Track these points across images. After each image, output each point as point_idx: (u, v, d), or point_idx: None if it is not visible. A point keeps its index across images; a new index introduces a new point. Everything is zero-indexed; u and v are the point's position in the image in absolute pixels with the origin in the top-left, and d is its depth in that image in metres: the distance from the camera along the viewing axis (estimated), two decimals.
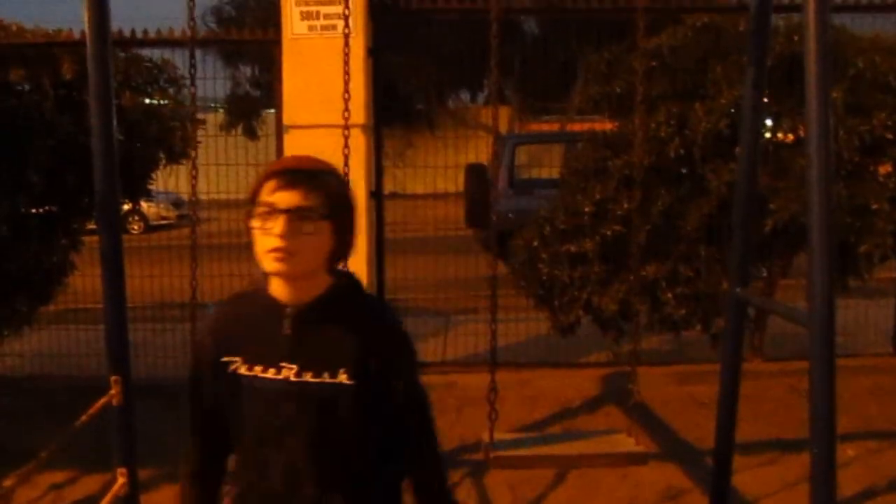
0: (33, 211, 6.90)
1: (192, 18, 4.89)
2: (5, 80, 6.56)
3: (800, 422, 3.94)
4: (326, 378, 2.18)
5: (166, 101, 7.35)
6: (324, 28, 6.70)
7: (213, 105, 11.19)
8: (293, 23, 6.75)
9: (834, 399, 3.16)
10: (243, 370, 2.24)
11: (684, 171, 6.90)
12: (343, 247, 2.25)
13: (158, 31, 7.21)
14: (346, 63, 5.01)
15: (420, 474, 2.41)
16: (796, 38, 6.54)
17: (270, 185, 2.15)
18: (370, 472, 2.29)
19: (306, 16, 6.72)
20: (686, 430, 6.22)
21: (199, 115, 6.84)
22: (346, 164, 5.12)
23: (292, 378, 2.19)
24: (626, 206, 6.66)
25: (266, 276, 2.25)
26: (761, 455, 5.67)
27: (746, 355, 7.27)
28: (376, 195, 7.34)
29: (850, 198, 6.53)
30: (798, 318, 3.51)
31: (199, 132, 6.59)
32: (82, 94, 6.49)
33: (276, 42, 6.93)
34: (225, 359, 2.26)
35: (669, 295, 6.79)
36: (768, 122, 6.76)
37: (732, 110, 6.51)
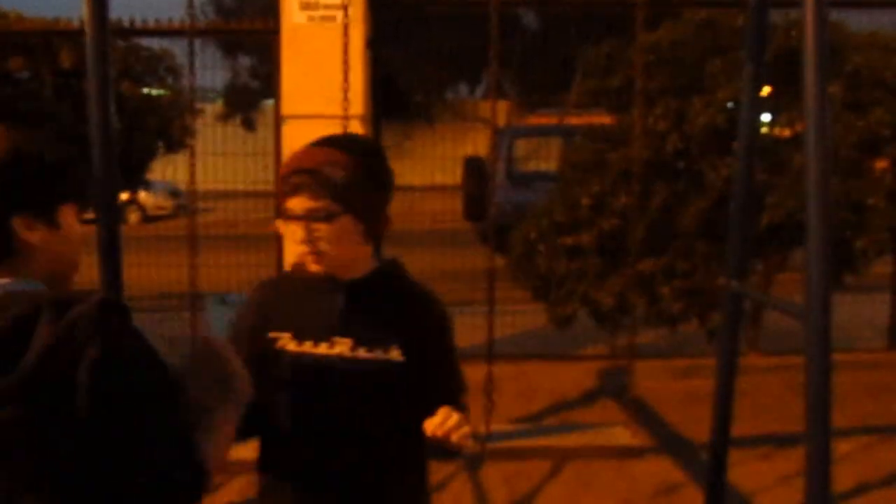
0: None
1: (191, 7, 4.89)
2: (4, 68, 6.56)
3: (795, 416, 3.95)
4: (379, 354, 2.20)
5: (165, 91, 7.35)
6: (323, 18, 6.70)
7: (211, 95, 11.19)
8: (292, 13, 6.75)
9: (829, 394, 3.16)
10: (292, 346, 2.24)
11: (682, 165, 6.91)
12: (373, 227, 2.23)
13: (157, 21, 7.19)
14: (346, 53, 5.02)
15: None
16: (794, 33, 6.54)
17: (283, 188, 2.16)
18: (406, 449, 2.28)
19: (305, 6, 6.71)
20: (682, 424, 6.24)
21: (198, 106, 6.85)
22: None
23: (346, 353, 2.20)
24: (623, 199, 6.67)
25: None
26: (757, 449, 5.68)
27: (743, 350, 7.30)
28: None
29: (847, 193, 6.54)
30: (794, 312, 3.51)
31: (198, 122, 6.60)
32: (81, 82, 6.49)
33: (275, 32, 6.93)
34: (271, 335, 2.25)
35: (666, 289, 6.81)
36: (766, 118, 6.77)
37: (730, 105, 6.52)
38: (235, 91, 20.81)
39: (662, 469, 5.61)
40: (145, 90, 7.18)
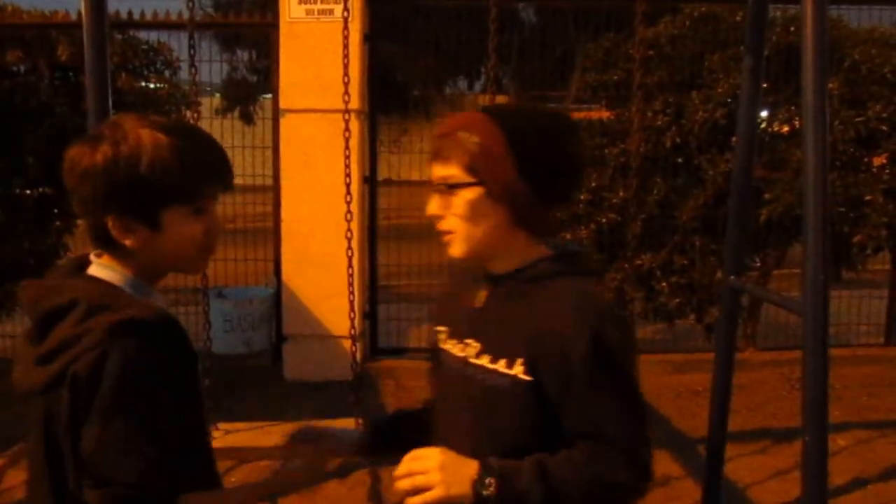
0: (28, 193, 6.90)
1: (190, 0, 4.88)
2: (1, 61, 6.55)
3: (792, 411, 3.96)
4: (502, 366, 1.84)
5: (163, 85, 7.34)
6: (321, 13, 6.70)
7: (209, 89, 11.17)
8: (291, 7, 6.75)
9: (826, 388, 3.17)
10: (442, 341, 2.02)
11: (680, 160, 6.92)
12: (519, 210, 1.85)
13: (155, 14, 7.19)
14: (344, 47, 5.00)
15: None
16: (793, 29, 6.55)
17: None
18: None
19: (304, 0, 6.71)
20: (679, 419, 6.24)
21: (196, 99, 6.84)
22: (346, 147, 5.13)
23: (471, 358, 1.90)
24: (621, 194, 6.68)
25: None
26: (754, 444, 5.68)
27: (740, 344, 7.31)
28: (370, 181, 7.35)
29: (845, 189, 6.55)
30: (792, 306, 3.52)
31: (196, 116, 6.59)
32: (78, 76, 6.48)
33: (274, 26, 6.93)
34: (437, 328, 2.06)
35: (664, 284, 6.82)
36: (764, 114, 6.78)
37: (729, 100, 6.53)
38: (233, 85, 20.79)
39: (660, 462, 5.57)
40: (143, 83, 7.17)
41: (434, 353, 2.06)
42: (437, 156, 1.87)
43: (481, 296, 1.95)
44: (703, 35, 7.08)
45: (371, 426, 2.26)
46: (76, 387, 1.65)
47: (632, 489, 1.82)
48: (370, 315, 7.55)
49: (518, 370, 1.80)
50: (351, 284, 5.41)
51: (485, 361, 1.87)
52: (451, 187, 1.85)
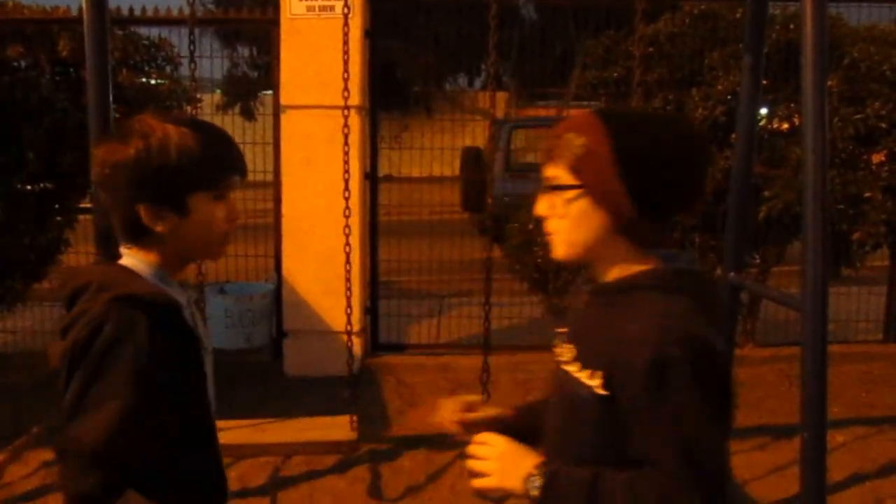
0: (28, 188, 6.90)
1: None
2: (2, 56, 6.55)
3: (791, 407, 3.98)
4: (585, 376, 1.81)
5: (163, 81, 7.35)
6: (322, 9, 6.71)
7: (210, 85, 11.18)
8: (291, 3, 6.76)
9: (825, 385, 3.18)
10: (559, 342, 2.00)
11: None
12: (622, 219, 1.80)
13: (156, 10, 7.19)
14: (345, 43, 5.02)
15: None
16: (792, 26, 6.56)
17: None
18: None
19: None
20: None
21: (197, 95, 6.85)
22: (346, 143, 5.14)
23: (565, 363, 1.90)
24: None
25: None
26: (753, 440, 5.70)
27: (739, 341, 7.33)
28: (371, 177, 7.36)
29: (844, 186, 6.55)
30: (791, 302, 3.53)
31: (196, 112, 6.60)
32: (79, 71, 6.48)
33: (275, 22, 6.94)
34: (558, 329, 2.04)
35: None
36: (764, 111, 6.78)
37: (729, 98, 6.54)
38: (234, 81, 20.78)
39: None
40: (144, 79, 7.17)
41: (555, 354, 2.03)
42: (548, 155, 1.86)
43: (584, 301, 1.95)
44: (702, 32, 7.09)
45: (517, 410, 2.24)
46: (73, 353, 1.82)
47: None
48: (371, 311, 7.56)
49: (596, 383, 1.77)
50: (349, 280, 5.43)
51: (574, 368, 1.85)
52: (554, 188, 1.84)
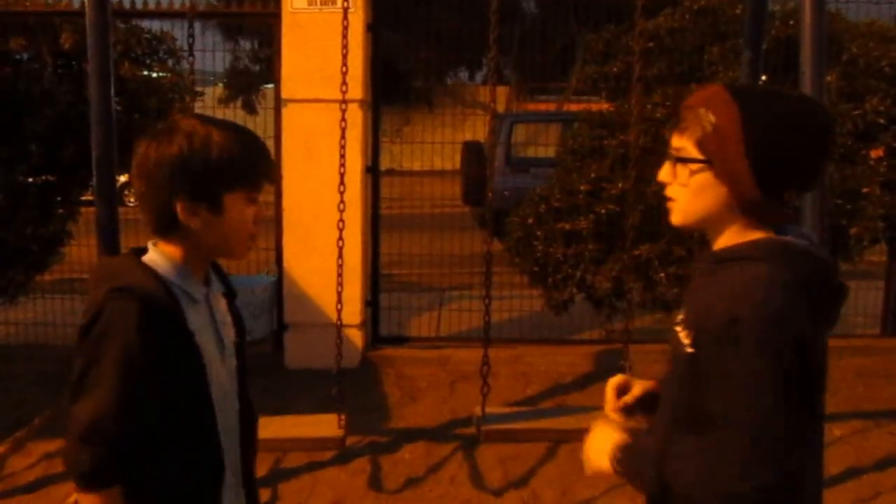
0: (31, 180, 6.93)
1: None
2: (5, 48, 6.58)
3: None
4: (683, 336, 1.89)
5: (165, 73, 7.37)
6: (323, 3, 6.72)
7: (211, 78, 11.20)
8: None
9: None
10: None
11: None
12: (740, 196, 1.85)
13: (158, 3, 7.21)
14: (346, 37, 5.04)
15: None
16: (792, 22, 6.58)
17: None
18: None
19: None
20: None
21: (198, 89, 6.87)
22: (342, 137, 5.16)
23: (675, 325, 1.96)
24: (620, 185, 6.71)
25: None
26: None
27: None
28: (373, 170, 7.38)
29: (842, 181, 6.58)
30: None
31: (197, 105, 6.62)
32: (81, 64, 6.51)
33: (276, 16, 6.95)
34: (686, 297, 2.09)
35: (662, 274, 6.84)
36: None
37: None
38: (236, 74, 20.78)
39: None
40: (146, 72, 7.19)
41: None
42: (678, 125, 1.92)
43: (699, 269, 2.00)
44: (702, 27, 7.11)
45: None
46: (78, 338, 1.97)
47: (746, 500, 1.75)
48: (372, 304, 7.58)
49: (687, 341, 1.86)
50: (341, 276, 5.46)
51: (679, 328, 1.93)
52: (679, 160, 1.90)
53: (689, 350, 1.84)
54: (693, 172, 1.87)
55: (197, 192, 1.99)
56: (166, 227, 2.05)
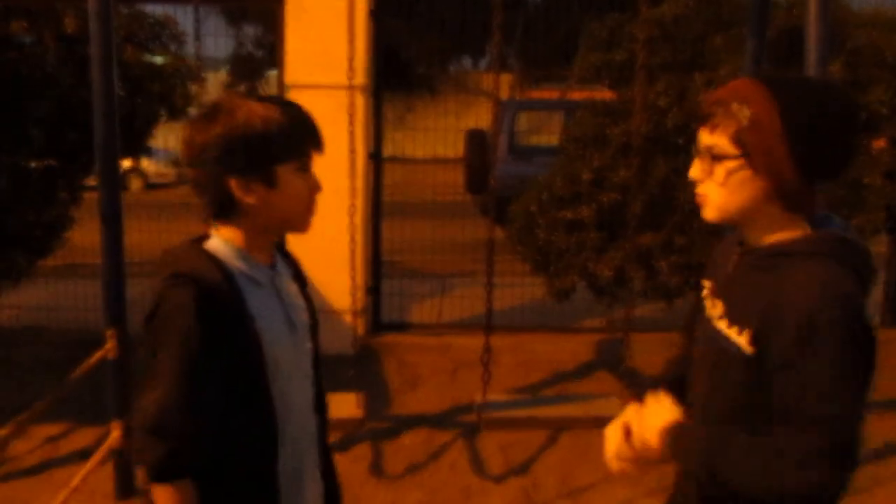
0: (33, 165, 6.93)
1: None
2: (7, 32, 6.56)
3: None
4: (733, 333, 1.87)
5: (168, 58, 7.35)
6: None
7: (215, 63, 11.18)
8: None
9: None
10: (705, 296, 2.08)
11: (682, 141, 6.93)
12: (783, 187, 1.84)
13: None
14: (350, 23, 5.02)
15: None
16: (796, 11, 6.56)
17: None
18: None
19: None
20: None
21: (202, 74, 6.85)
22: (351, 123, 5.14)
23: (714, 319, 1.97)
24: (623, 174, 6.69)
25: None
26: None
27: None
28: (375, 157, 7.37)
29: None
30: None
31: (202, 91, 6.61)
32: (84, 48, 6.50)
33: (280, 1, 6.93)
34: (703, 281, 2.12)
35: (664, 263, 6.84)
36: None
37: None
38: (240, 60, 20.75)
39: None
40: (148, 57, 7.18)
41: (698, 305, 2.11)
42: (707, 122, 1.90)
43: (735, 260, 1.99)
44: (706, 16, 7.08)
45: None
46: (143, 329, 1.97)
47: (800, 498, 1.77)
48: (374, 290, 7.58)
49: (744, 339, 1.83)
50: (353, 259, 5.45)
51: (723, 325, 1.92)
52: (715, 158, 1.87)
53: (749, 351, 1.83)
54: (731, 168, 1.85)
55: (248, 167, 1.99)
56: (224, 209, 2.05)
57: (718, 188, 1.89)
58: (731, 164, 1.85)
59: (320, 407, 2.30)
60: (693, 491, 2.02)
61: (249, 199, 2.01)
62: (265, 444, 2.07)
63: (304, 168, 2.13)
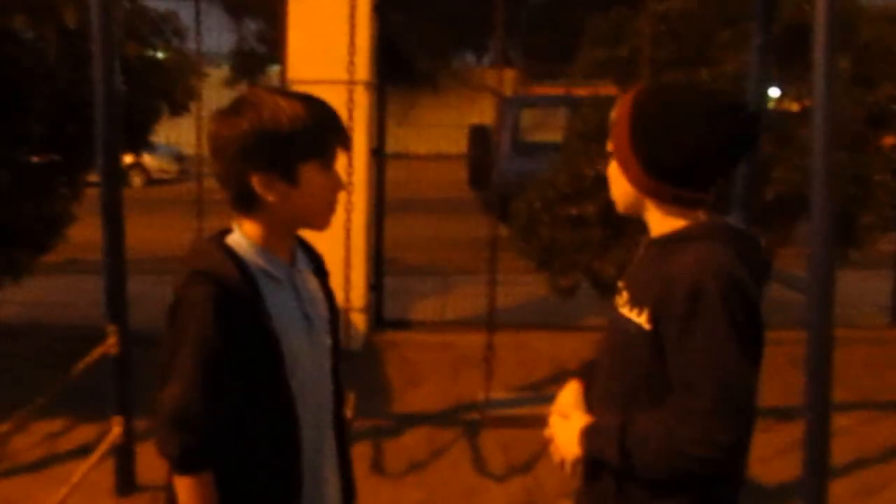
0: (34, 160, 6.89)
1: None
2: (8, 26, 6.53)
3: (795, 390, 3.97)
4: (634, 315, 1.99)
5: (170, 53, 7.32)
6: None
7: (217, 58, 11.17)
8: None
9: (829, 368, 3.17)
10: (618, 292, 2.16)
11: None
12: (640, 181, 2.02)
13: None
14: (352, 18, 4.99)
15: None
16: (806, 6, 6.51)
17: None
18: None
19: None
20: None
21: (204, 69, 6.82)
22: (350, 119, 5.11)
23: (619, 307, 2.09)
24: None
25: None
26: (756, 421, 5.69)
27: None
28: (378, 153, 7.34)
29: (853, 168, 6.52)
30: (797, 285, 3.52)
31: (204, 86, 6.58)
32: (86, 43, 6.46)
33: None
34: (620, 283, 2.19)
35: None
36: (774, 92, 6.75)
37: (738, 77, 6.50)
38: (242, 56, 20.75)
39: None
40: (150, 52, 7.15)
41: (614, 304, 2.19)
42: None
43: (640, 253, 2.15)
44: (713, 11, 7.04)
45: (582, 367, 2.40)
46: (165, 324, 2.00)
47: (705, 462, 1.87)
48: (376, 287, 7.55)
49: (644, 318, 1.96)
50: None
51: (626, 310, 2.04)
52: (605, 156, 2.09)
53: (647, 328, 1.94)
54: (610, 165, 2.07)
55: (271, 163, 1.98)
56: (246, 204, 2.05)
57: (611, 185, 2.10)
58: (611, 160, 2.06)
59: (339, 401, 2.30)
60: (612, 490, 2.07)
61: (270, 197, 2.01)
62: (285, 439, 2.08)
63: (328, 165, 2.08)
